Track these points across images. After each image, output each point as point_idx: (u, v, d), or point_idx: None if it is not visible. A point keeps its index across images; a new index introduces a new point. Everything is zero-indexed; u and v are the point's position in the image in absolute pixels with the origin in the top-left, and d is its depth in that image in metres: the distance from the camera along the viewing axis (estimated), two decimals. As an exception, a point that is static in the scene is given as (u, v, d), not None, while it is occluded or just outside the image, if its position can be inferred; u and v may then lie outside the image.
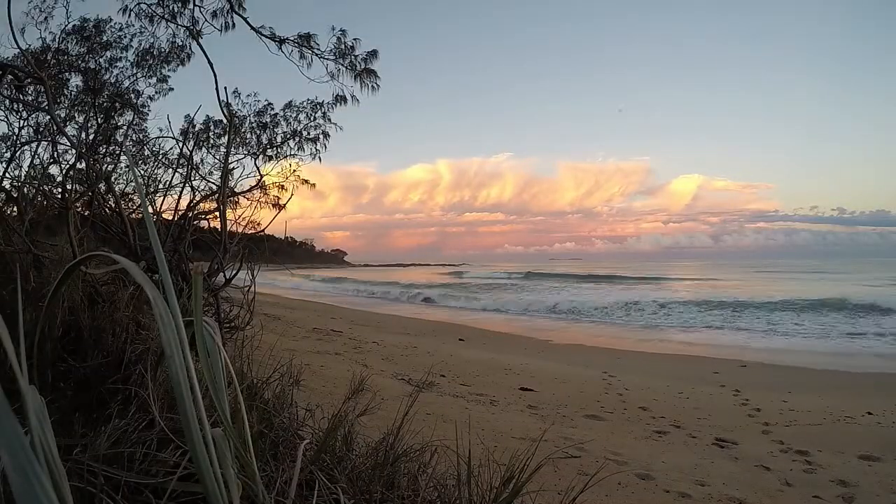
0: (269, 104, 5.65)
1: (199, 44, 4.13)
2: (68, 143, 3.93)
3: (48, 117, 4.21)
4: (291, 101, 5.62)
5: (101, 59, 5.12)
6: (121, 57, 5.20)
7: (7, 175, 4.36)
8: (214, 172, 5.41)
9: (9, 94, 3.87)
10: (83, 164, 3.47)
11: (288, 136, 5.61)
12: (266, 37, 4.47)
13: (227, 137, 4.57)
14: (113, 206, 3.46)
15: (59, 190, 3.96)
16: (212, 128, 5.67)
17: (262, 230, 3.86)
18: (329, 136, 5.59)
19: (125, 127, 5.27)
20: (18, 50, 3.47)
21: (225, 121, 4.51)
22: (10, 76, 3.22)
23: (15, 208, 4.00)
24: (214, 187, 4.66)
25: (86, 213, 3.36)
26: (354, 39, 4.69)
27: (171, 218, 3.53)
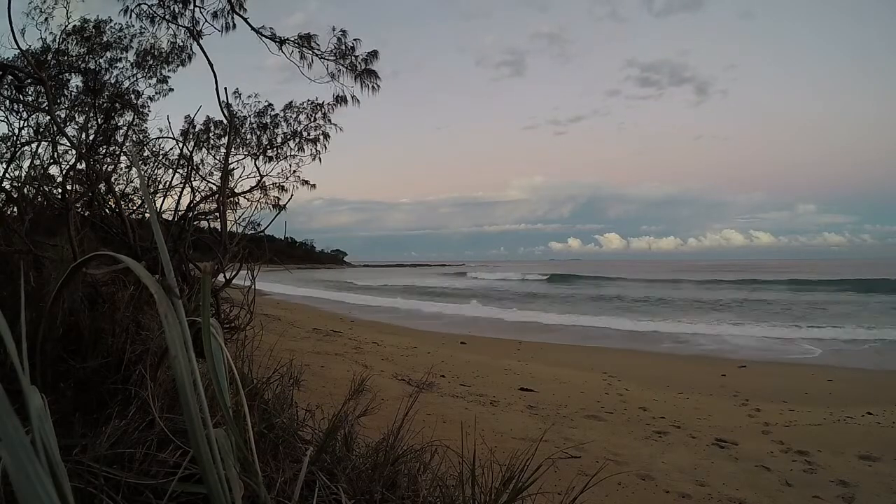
0: (270, 105, 5.65)
1: (199, 44, 4.14)
2: (68, 144, 3.93)
3: (48, 118, 4.21)
4: (292, 102, 5.61)
5: (101, 60, 5.12)
6: (121, 57, 5.20)
7: (7, 175, 4.36)
8: (214, 173, 5.41)
9: (9, 94, 3.87)
10: (83, 165, 3.46)
11: (288, 136, 5.60)
12: (266, 37, 4.48)
13: (227, 138, 4.57)
14: (113, 206, 3.46)
15: (59, 190, 3.95)
16: (212, 128, 5.67)
17: (262, 230, 3.86)
18: (329, 136, 5.59)
19: (125, 127, 5.27)
20: (19, 50, 3.47)
21: (225, 121, 4.51)
22: (10, 77, 3.22)
23: (15, 208, 3.99)
24: (214, 188, 4.66)
25: (86, 214, 3.36)
26: (355, 40, 4.70)
27: (171, 218, 3.52)
